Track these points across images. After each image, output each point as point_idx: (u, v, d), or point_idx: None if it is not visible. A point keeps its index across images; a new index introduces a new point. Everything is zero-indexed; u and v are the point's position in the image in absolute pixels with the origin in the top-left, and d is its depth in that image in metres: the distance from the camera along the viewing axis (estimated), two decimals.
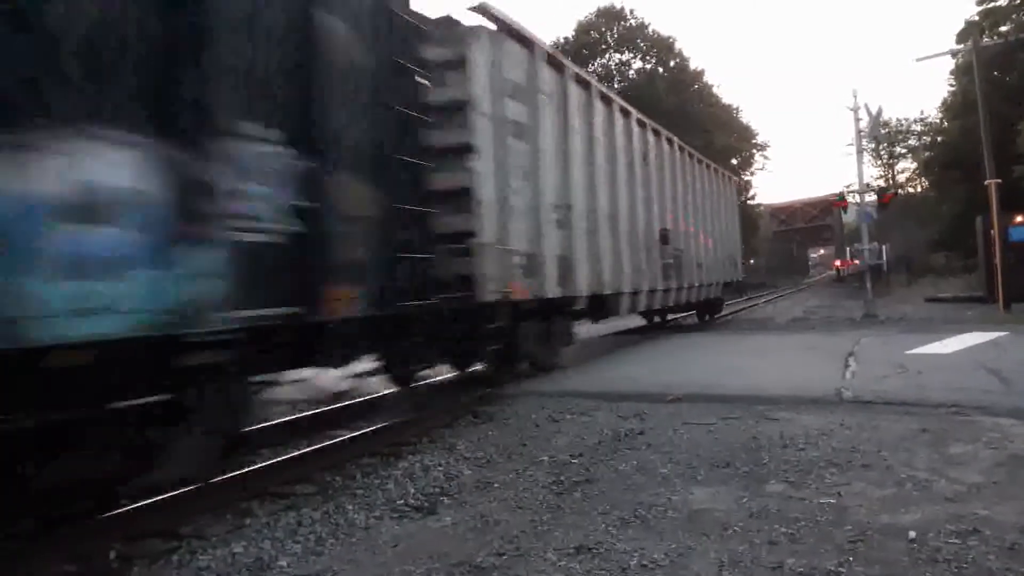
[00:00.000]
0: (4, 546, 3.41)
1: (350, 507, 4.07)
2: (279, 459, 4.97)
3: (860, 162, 19.67)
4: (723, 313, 19.20)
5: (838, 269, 46.86)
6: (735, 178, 19.74)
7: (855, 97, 19.74)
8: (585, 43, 40.12)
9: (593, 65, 39.51)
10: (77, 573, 3.29)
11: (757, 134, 47.17)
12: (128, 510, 3.86)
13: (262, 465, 4.82)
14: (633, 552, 3.19)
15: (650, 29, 40.96)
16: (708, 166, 16.12)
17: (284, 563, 3.30)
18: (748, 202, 46.74)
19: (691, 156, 14.58)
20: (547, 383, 8.24)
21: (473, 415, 6.51)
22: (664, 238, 12.00)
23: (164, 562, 3.37)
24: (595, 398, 7.01)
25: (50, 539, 3.46)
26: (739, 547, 3.19)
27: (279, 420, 6.28)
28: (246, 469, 4.65)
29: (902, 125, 43.93)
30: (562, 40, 40.22)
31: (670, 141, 13.16)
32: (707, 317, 17.64)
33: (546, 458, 4.95)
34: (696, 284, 14.28)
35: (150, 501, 3.96)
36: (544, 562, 3.14)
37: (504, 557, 3.23)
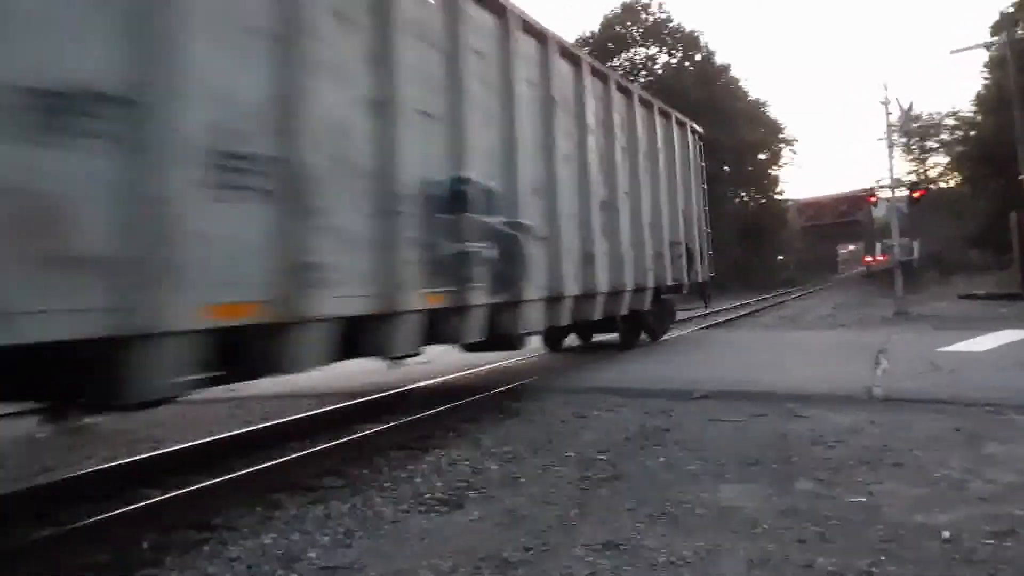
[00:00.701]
0: (37, 534, 3.49)
1: (378, 500, 4.09)
2: (307, 452, 5.01)
3: (891, 157, 19.49)
4: (672, 335, 12.96)
5: (868, 265, 46.15)
6: (692, 125, 13.04)
7: (886, 91, 19.62)
8: (611, 37, 40.01)
9: (619, 59, 39.37)
10: (111, 562, 3.35)
11: (785, 128, 46.66)
12: (160, 500, 3.92)
13: (291, 457, 4.86)
14: (661, 549, 3.17)
15: (675, 23, 40.78)
16: (629, 93, 10.30)
17: (313, 555, 3.33)
18: (776, 197, 46.25)
19: (577, 62, 8.57)
20: (573, 379, 8.24)
21: (499, 411, 6.52)
22: (456, 199, 5.60)
23: (196, 552, 3.41)
24: (621, 394, 6.99)
25: (83, 528, 3.53)
26: (768, 545, 3.16)
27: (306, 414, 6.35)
28: (275, 461, 4.70)
29: (934, 119, 43.12)
30: (588, 35, 40.13)
31: (541, 37, 7.65)
32: (643, 337, 11.67)
33: (573, 454, 4.94)
34: (577, 292, 8.14)
35: (182, 492, 4.02)
36: (571, 557, 3.14)
37: (531, 552, 3.23)
